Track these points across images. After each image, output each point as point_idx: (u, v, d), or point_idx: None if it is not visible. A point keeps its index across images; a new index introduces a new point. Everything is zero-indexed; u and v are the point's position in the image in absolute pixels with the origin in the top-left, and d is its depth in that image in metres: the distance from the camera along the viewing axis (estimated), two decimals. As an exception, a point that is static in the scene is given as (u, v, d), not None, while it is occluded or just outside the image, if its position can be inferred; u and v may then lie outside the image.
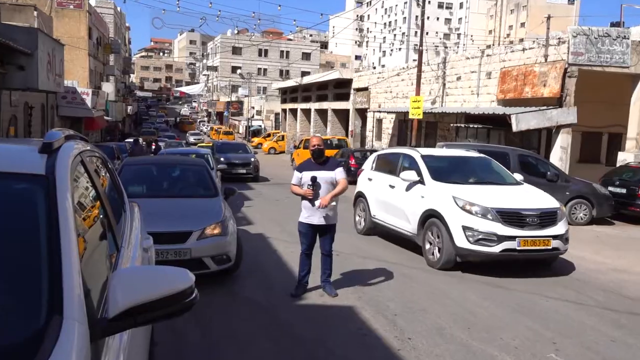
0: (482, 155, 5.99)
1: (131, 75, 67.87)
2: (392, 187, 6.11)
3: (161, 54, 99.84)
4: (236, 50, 57.62)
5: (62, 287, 1.24)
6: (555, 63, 11.13)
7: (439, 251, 5.06)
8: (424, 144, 18.40)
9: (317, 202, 4.36)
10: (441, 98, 16.76)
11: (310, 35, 71.48)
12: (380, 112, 20.80)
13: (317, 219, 4.45)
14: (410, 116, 15.40)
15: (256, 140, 34.65)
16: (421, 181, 5.60)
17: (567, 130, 11.07)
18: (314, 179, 4.35)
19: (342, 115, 26.70)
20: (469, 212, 4.82)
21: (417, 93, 15.49)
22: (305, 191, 4.36)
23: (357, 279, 4.92)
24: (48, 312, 1.20)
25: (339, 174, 4.53)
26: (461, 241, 4.84)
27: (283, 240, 6.94)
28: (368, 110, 22.32)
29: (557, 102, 11.28)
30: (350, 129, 25.15)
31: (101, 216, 1.87)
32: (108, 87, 27.15)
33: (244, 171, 14.45)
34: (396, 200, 5.88)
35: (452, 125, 15.44)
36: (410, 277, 5.04)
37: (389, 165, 6.67)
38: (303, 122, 32.04)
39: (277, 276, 5.29)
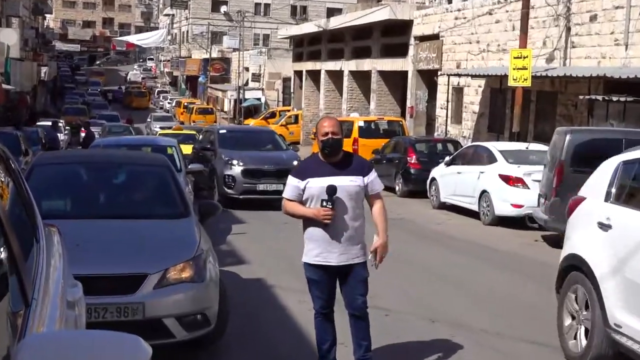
0: None
1: (47, 16, 66.17)
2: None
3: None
4: (219, -26, 62.46)
5: None
6: None
7: None
8: (533, 131, 18.42)
9: (344, 234, 4.49)
10: (563, 52, 16.86)
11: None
12: (459, 75, 21.13)
13: (335, 256, 4.65)
14: (511, 83, 16.03)
15: (252, 122, 35.88)
16: None
17: None
18: (332, 190, 4.51)
19: (396, 81, 27.12)
20: None
21: (523, 45, 15.82)
22: (319, 212, 4.53)
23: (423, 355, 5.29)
24: None
25: (374, 183, 4.74)
26: None
27: (294, 287, 7.16)
28: (439, 73, 22.65)
29: None
30: (408, 104, 25.46)
31: None
32: (7, 36, 26.33)
33: (280, 187, 11.09)
34: None
35: (581, 97, 15.68)
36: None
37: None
38: (330, 93, 32.78)
39: (285, 350, 5.45)
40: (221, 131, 15.91)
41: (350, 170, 4.66)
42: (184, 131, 26.48)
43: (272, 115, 41.00)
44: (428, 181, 15.92)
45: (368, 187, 4.70)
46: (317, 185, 4.58)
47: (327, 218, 4.51)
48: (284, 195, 4.78)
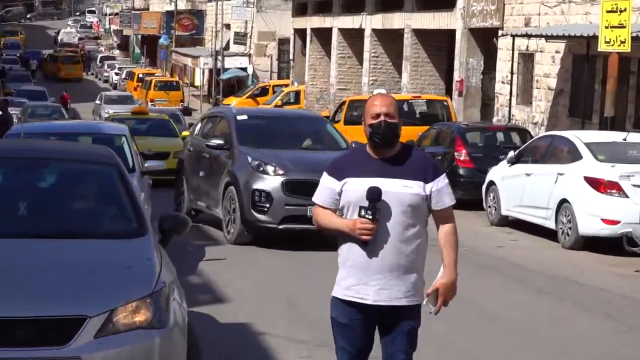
0: None
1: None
2: None
3: None
4: None
5: None
6: None
7: None
8: (634, 115, 18.51)
9: (377, 255, 4.59)
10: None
11: None
12: (529, 37, 21.26)
13: (374, 291, 4.72)
14: (602, 47, 16.24)
15: (235, 102, 37.01)
16: None
17: None
18: (374, 194, 4.62)
19: (439, 44, 27.37)
20: None
21: (620, -7, 16.85)
22: (355, 225, 4.62)
23: None
24: None
25: (442, 193, 4.79)
26: None
27: (295, 337, 7.30)
28: (500, 33, 22.91)
29: None
30: (456, 77, 25.93)
31: None
32: None
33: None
34: None
35: None
36: None
37: None
38: (346, 61, 32.96)
39: None
40: (240, 117, 14.46)
41: (406, 171, 4.73)
42: (152, 115, 26.27)
43: (263, 91, 41.06)
44: (484, 186, 15.92)
45: (432, 198, 4.74)
46: (356, 187, 4.67)
47: (365, 233, 4.58)
48: (314, 199, 4.87)
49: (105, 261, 5.30)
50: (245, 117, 14.70)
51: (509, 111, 23.02)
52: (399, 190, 4.64)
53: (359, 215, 4.58)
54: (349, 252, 4.71)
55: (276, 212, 12.36)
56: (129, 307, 4.86)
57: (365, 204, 4.57)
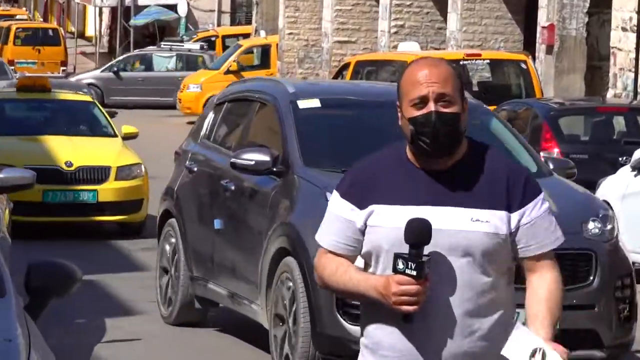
0: None
1: None
2: None
3: None
4: None
5: None
6: None
7: None
8: None
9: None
10: None
11: None
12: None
13: None
14: None
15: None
16: None
17: None
18: (420, 234, 4.62)
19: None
20: None
21: None
22: (390, 286, 4.63)
23: None
24: None
25: (538, 228, 4.83)
26: None
27: None
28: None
29: None
30: (543, 20, 26.00)
31: None
32: None
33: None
34: None
35: None
36: None
37: None
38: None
39: None
40: (304, 103, 12.44)
41: (477, 193, 4.65)
42: (60, 93, 23.16)
43: (207, 46, 41.91)
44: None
45: (520, 236, 4.65)
46: (392, 222, 4.61)
47: (407, 302, 4.56)
48: (317, 239, 4.85)
49: None
50: (315, 103, 12.48)
51: (636, 79, 22.74)
52: (463, 228, 4.57)
53: (394, 270, 4.56)
54: (380, 332, 4.77)
55: None
56: None
57: (405, 250, 4.54)
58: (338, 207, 4.86)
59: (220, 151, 12.64)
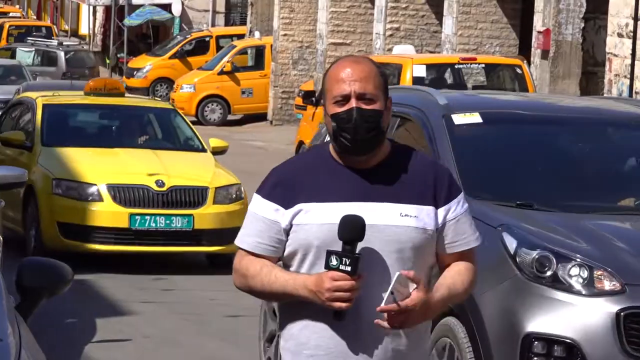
0: None
1: None
2: None
3: None
4: None
5: None
6: None
7: None
8: None
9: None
10: None
11: None
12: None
13: None
14: None
15: (149, 63, 39.43)
16: None
17: None
18: (354, 229, 4.61)
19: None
20: None
21: None
22: (323, 284, 4.61)
23: None
24: None
25: (462, 224, 4.83)
26: None
27: None
28: None
29: None
30: (539, 25, 25.84)
31: None
32: None
33: None
34: None
35: None
36: None
37: None
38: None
39: None
40: (461, 117, 10.21)
41: (404, 190, 4.66)
42: (132, 100, 20.83)
43: (200, 46, 41.74)
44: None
45: (446, 232, 4.66)
46: (322, 219, 4.59)
47: (342, 297, 4.52)
48: (237, 242, 4.83)
49: None
50: (475, 118, 10.06)
51: (631, 86, 22.14)
52: (392, 223, 4.62)
53: (328, 266, 4.52)
54: (306, 332, 4.70)
55: None
56: None
57: (338, 247, 4.51)
58: (260, 208, 4.85)
59: None
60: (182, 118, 19.12)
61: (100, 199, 15.27)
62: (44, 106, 18.38)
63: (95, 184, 15.81)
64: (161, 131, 19.18)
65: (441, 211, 4.78)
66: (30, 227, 16.33)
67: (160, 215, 15.46)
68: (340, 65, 4.85)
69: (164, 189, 16.04)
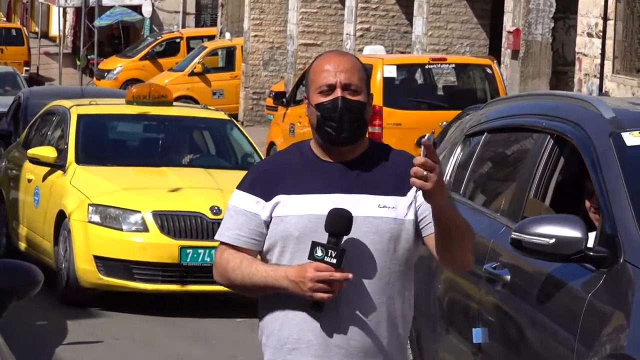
0: None
1: None
2: None
3: None
4: None
5: None
6: None
7: None
8: None
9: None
10: None
11: None
12: None
13: None
14: None
15: (120, 64, 40.79)
16: None
17: None
18: (341, 222, 4.66)
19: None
20: None
21: None
22: (307, 274, 4.64)
23: None
24: None
25: None
26: None
27: None
28: None
29: None
30: (508, 25, 25.69)
31: None
32: None
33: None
34: None
35: None
36: None
37: None
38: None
39: None
40: (634, 139, 7.96)
41: (381, 182, 4.71)
42: (182, 109, 18.58)
43: (170, 48, 41.51)
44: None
45: (421, 211, 4.66)
46: (303, 210, 4.64)
47: (325, 289, 4.53)
48: (218, 237, 4.85)
49: None
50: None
51: (601, 85, 22.17)
52: (371, 214, 4.69)
53: (312, 257, 4.54)
54: (287, 327, 4.74)
55: None
56: None
57: (322, 239, 4.55)
58: (241, 201, 4.88)
59: (483, 214, 8.32)
60: (239, 131, 17.00)
61: (145, 229, 13.31)
62: (79, 117, 16.21)
63: (139, 211, 13.81)
64: (215, 146, 17.14)
65: (412, 194, 4.83)
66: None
67: (215, 248, 13.74)
68: (326, 57, 4.97)
69: (221, 216, 12.61)
